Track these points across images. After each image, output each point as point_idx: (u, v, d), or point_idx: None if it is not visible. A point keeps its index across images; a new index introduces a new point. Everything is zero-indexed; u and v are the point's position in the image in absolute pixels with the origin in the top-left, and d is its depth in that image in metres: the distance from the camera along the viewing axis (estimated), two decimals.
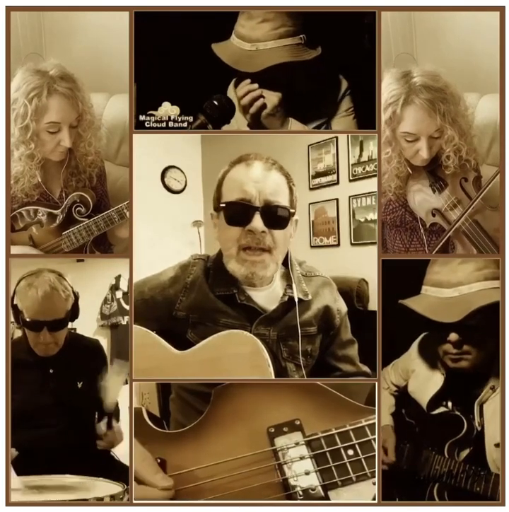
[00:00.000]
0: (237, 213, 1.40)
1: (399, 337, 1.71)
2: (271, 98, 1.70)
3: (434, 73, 1.65)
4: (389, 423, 1.65)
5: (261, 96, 1.69)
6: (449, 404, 1.58)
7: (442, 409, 1.58)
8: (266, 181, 1.40)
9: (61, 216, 1.79)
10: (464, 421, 1.52)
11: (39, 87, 1.65)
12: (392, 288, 1.64)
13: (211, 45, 1.75)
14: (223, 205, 1.43)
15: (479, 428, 1.51)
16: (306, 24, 1.71)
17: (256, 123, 1.72)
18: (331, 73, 1.78)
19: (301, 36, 1.71)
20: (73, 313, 1.75)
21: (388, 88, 1.64)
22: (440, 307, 1.52)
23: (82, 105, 1.72)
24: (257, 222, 1.38)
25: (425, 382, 1.63)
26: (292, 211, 1.43)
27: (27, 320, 1.68)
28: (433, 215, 1.76)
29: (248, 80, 1.70)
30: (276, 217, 1.40)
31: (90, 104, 1.77)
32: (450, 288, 1.52)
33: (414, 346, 1.73)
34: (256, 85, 1.69)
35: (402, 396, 1.71)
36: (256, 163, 1.42)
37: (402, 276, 1.66)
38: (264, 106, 1.70)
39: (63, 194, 1.81)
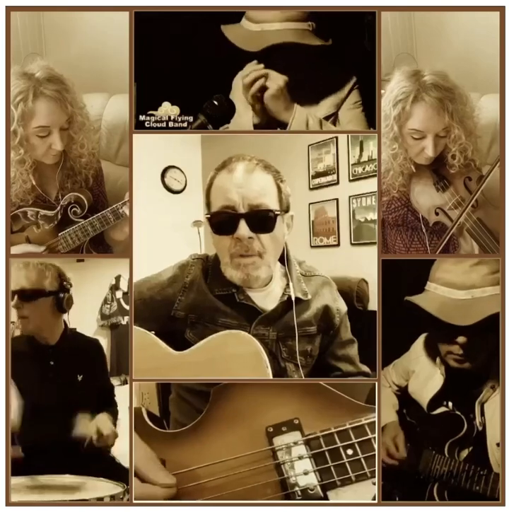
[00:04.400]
0: (222, 222, 1.40)
1: (399, 337, 1.70)
2: (277, 80, 1.64)
3: (443, 73, 1.66)
4: (395, 420, 1.65)
5: (265, 76, 1.65)
6: (450, 404, 1.58)
7: (442, 409, 1.58)
8: (249, 184, 1.38)
9: (57, 217, 1.79)
10: (465, 420, 1.52)
11: (25, 91, 1.62)
12: (392, 288, 1.64)
13: (220, 27, 1.74)
14: (208, 216, 1.42)
15: (480, 428, 1.51)
16: (315, 14, 1.70)
17: (258, 106, 1.68)
18: (340, 64, 1.76)
19: (310, 23, 1.71)
20: (59, 301, 1.78)
21: (399, 84, 1.66)
22: (451, 308, 1.50)
23: (71, 106, 1.69)
24: (243, 229, 1.37)
25: (425, 383, 1.63)
26: (277, 212, 1.41)
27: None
28: (436, 214, 1.75)
29: (254, 61, 1.68)
30: (261, 221, 1.39)
31: (82, 104, 1.75)
32: (463, 290, 1.51)
33: (414, 346, 1.73)
34: (261, 66, 1.67)
35: (403, 396, 1.71)
36: (238, 167, 1.40)
37: (402, 276, 1.66)
38: (264, 87, 1.65)
39: (60, 196, 1.81)
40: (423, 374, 1.66)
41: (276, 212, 1.41)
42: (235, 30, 1.76)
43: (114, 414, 1.81)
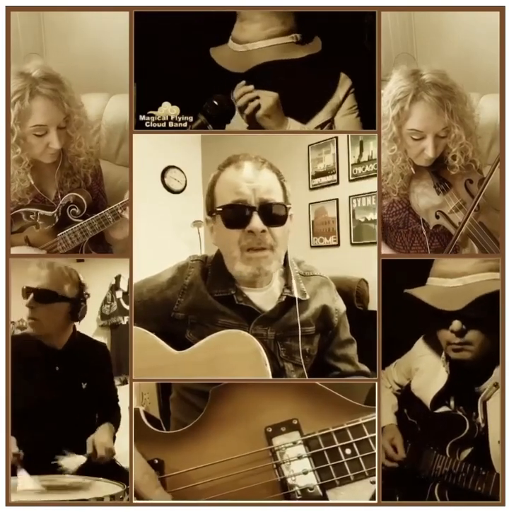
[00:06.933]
0: (235, 215, 1.40)
1: (401, 336, 1.70)
2: (266, 99, 1.69)
3: (442, 72, 1.64)
4: (393, 422, 1.64)
5: (257, 97, 1.69)
6: (452, 403, 1.57)
7: (444, 409, 1.57)
8: (259, 180, 1.40)
9: (56, 218, 1.79)
10: (466, 421, 1.51)
11: (22, 90, 1.63)
12: (392, 288, 1.64)
13: (209, 49, 1.76)
14: (220, 209, 1.42)
15: (483, 425, 1.50)
16: (302, 23, 1.71)
17: (253, 124, 1.72)
18: (330, 71, 1.77)
19: (294, 35, 1.72)
20: (75, 309, 1.76)
21: (397, 84, 1.64)
22: (443, 296, 1.51)
23: (68, 105, 1.69)
24: (256, 222, 1.38)
25: (430, 379, 1.62)
26: (288, 206, 1.43)
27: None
28: (437, 217, 1.74)
29: (243, 82, 1.70)
30: (274, 214, 1.40)
31: (80, 103, 1.75)
32: (455, 278, 1.52)
33: (417, 344, 1.72)
34: (251, 87, 1.69)
35: (404, 395, 1.70)
36: (246, 164, 1.42)
37: (402, 276, 1.65)
38: (258, 107, 1.69)
39: (59, 196, 1.81)
40: (427, 371, 1.65)
41: (288, 206, 1.43)
42: (221, 52, 1.77)
43: (116, 423, 1.79)
